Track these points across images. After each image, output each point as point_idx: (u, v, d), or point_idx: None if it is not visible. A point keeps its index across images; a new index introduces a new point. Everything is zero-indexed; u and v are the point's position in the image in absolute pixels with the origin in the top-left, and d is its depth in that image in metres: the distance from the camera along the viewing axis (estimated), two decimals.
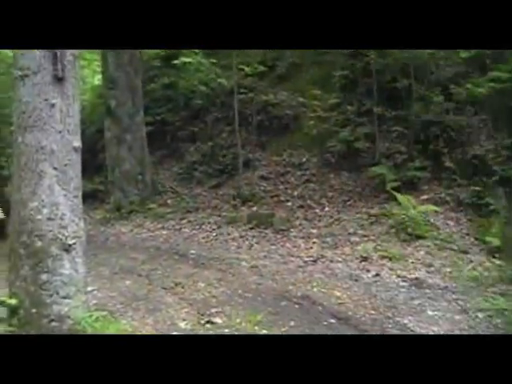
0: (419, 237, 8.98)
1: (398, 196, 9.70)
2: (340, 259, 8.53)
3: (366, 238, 9.24)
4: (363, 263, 8.25)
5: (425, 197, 10.14)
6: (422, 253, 8.52)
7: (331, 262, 8.46)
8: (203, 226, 11.53)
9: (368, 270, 7.94)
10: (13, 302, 5.02)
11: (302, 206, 11.14)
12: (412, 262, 8.22)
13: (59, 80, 5.03)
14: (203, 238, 10.88)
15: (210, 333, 5.71)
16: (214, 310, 6.50)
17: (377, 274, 7.81)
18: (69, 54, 5.08)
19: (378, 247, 8.80)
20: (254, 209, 11.58)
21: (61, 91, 5.07)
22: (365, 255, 8.45)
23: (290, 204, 11.36)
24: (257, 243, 9.96)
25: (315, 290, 7.23)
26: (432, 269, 7.95)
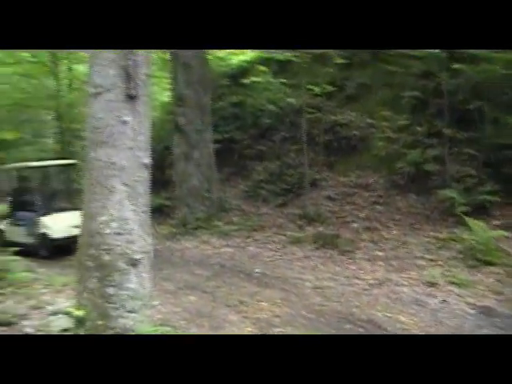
0: (489, 263, 8.70)
1: (468, 220, 9.45)
2: (406, 283, 8.35)
3: (433, 263, 9.03)
4: (430, 288, 8.05)
5: (496, 222, 9.84)
6: (491, 280, 8.25)
7: (397, 285, 8.30)
8: (268, 245, 11.53)
9: (435, 296, 7.74)
10: (80, 313, 5.13)
11: (368, 228, 11.00)
12: (481, 289, 7.97)
13: (131, 98, 5.15)
14: (268, 256, 10.87)
15: None
16: (276, 330, 6.48)
17: (444, 301, 7.61)
18: (141, 72, 5.19)
19: (446, 272, 8.57)
20: (320, 229, 11.51)
21: (133, 109, 5.18)
22: (432, 280, 8.25)
23: (356, 225, 11.23)
24: (321, 264, 9.87)
25: (380, 314, 7.12)
26: (502, 297, 7.68)
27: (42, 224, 13.02)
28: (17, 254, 11.48)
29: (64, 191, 15.09)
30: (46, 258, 11.91)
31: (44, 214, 13.15)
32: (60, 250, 12.28)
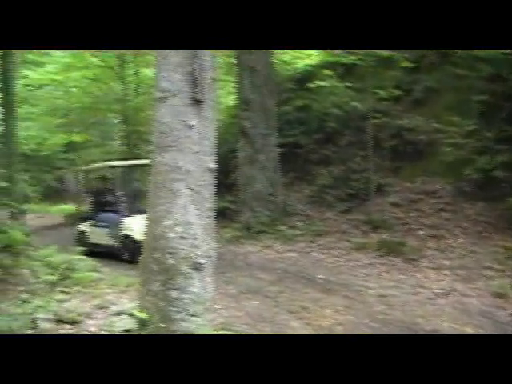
0: None
1: None
2: (473, 294, 8.13)
3: (501, 273, 8.76)
4: (498, 300, 7.81)
5: None
6: None
7: (463, 296, 8.09)
8: (332, 251, 11.44)
9: (503, 308, 7.51)
10: (143, 315, 5.18)
11: (434, 236, 10.76)
12: None
13: (198, 102, 5.17)
14: (331, 262, 10.78)
15: None
16: None
17: None
18: (207, 77, 5.20)
19: None
20: (384, 236, 11.34)
21: (198, 113, 5.19)
22: (500, 291, 8.00)
23: (421, 233, 11.02)
24: (386, 271, 9.73)
25: (445, 324, 6.93)
26: None
27: (124, 226, 12.67)
28: (99, 256, 11.95)
29: (144, 192, 14.70)
30: (129, 262, 11.63)
31: (126, 216, 12.83)
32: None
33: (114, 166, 14.28)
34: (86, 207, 15.15)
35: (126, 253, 12.34)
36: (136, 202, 13.79)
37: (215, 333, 5.35)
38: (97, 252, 12.86)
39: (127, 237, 12.35)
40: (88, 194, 15.44)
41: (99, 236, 13.52)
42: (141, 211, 12.66)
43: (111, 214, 13.31)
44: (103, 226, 13.52)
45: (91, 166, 16.00)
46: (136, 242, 11.46)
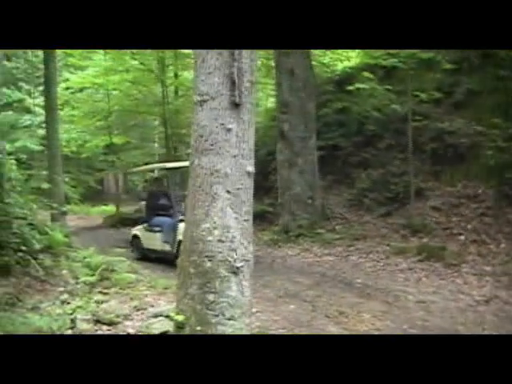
0: None
1: None
2: None
3: None
4: None
5: None
6: None
7: (505, 303, 7.92)
8: (370, 255, 11.35)
9: None
10: (179, 318, 5.19)
11: (475, 241, 10.57)
12: None
13: (236, 106, 5.14)
14: (370, 267, 10.69)
15: None
16: None
17: None
18: (246, 80, 5.18)
19: None
20: (424, 240, 11.20)
21: (237, 116, 5.17)
22: None
23: (462, 238, 10.83)
24: (425, 277, 9.60)
25: (486, 332, 6.80)
26: None
27: (180, 231, 11.38)
28: (153, 261, 12.03)
29: None
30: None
31: (182, 220, 11.57)
32: None
33: (168, 168, 13.59)
34: (138, 210, 14.73)
35: None
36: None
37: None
38: (151, 257, 12.75)
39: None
40: (140, 196, 15.10)
41: (153, 241, 13.03)
42: None
43: (166, 219, 12.69)
44: (157, 231, 12.94)
45: (142, 168, 15.62)
46: None
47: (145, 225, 13.49)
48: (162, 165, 13.76)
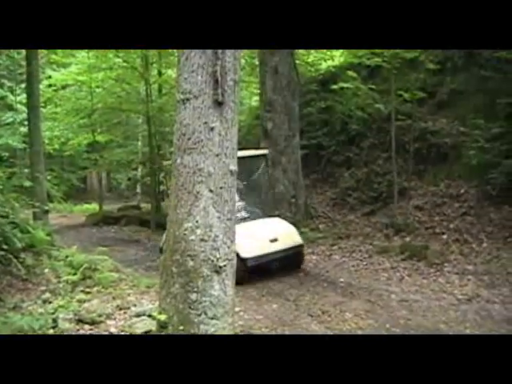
0: None
1: None
2: (497, 300, 7.99)
3: None
4: None
5: None
6: None
7: (487, 302, 7.96)
8: (354, 254, 11.38)
9: None
10: (162, 317, 5.19)
11: (457, 240, 10.64)
12: None
13: (219, 104, 5.13)
14: (353, 266, 10.72)
15: None
16: None
17: None
18: (229, 79, 5.16)
19: None
20: (407, 239, 11.25)
21: (220, 115, 5.16)
22: None
23: (445, 237, 10.89)
24: (408, 276, 9.62)
25: (468, 331, 6.82)
26: None
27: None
28: None
29: (257, 190, 11.56)
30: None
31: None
32: (256, 272, 9.78)
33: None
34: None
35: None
36: (252, 202, 11.22)
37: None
38: None
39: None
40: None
41: None
42: (258, 215, 10.95)
43: None
44: None
45: None
46: (243, 260, 9.12)
47: None
48: None
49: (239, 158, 8.80)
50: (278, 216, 11.61)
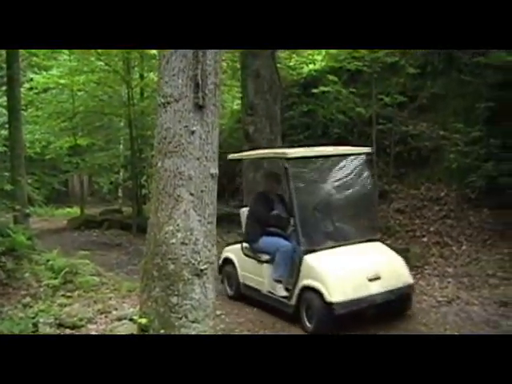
0: None
1: None
2: (477, 302, 8.09)
3: (506, 281, 8.70)
4: (502, 308, 7.76)
5: None
6: None
7: (467, 304, 8.05)
8: None
9: (508, 317, 7.45)
10: (143, 321, 5.20)
11: (438, 243, 10.72)
12: None
13: (200, 108, 5.16)
14: None
15: None
16: None
17: None
18: (210, 82, 5.19)
19: None
20: (388, 242, 11.23)
21: (201, 119, 5.19)
22: (505, 300, 7.95)
23: (425, 240, 10.97)
24: None
25: (448, 332, 6.90)
26: None
27: (305, 269, 7.27)
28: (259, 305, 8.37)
29: (353, 203, 8.51)
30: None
31: (310, 249, 7.39)
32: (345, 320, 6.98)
33: (290, 158, 7.61)
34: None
35: (305, 316, 7.20)
36: (347, 218, 8.63)
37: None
38: (252, 299, 8.53)
39: (309, 290, 7.10)
40: (246, 200, 11.29)
41: (257, 276, 8.36)
42: (355, 237, 8.04)
43: (281, 241, 8.03)
44: (265, 261, 8.19)
45: (251, 153, 10.03)
46: (329, 304, 6.77)
47: (245, 246, 8.72)
48: (280, 152, 8.43)
49: (328, 156, 8.01)
50: (379, 240, 8.37)
